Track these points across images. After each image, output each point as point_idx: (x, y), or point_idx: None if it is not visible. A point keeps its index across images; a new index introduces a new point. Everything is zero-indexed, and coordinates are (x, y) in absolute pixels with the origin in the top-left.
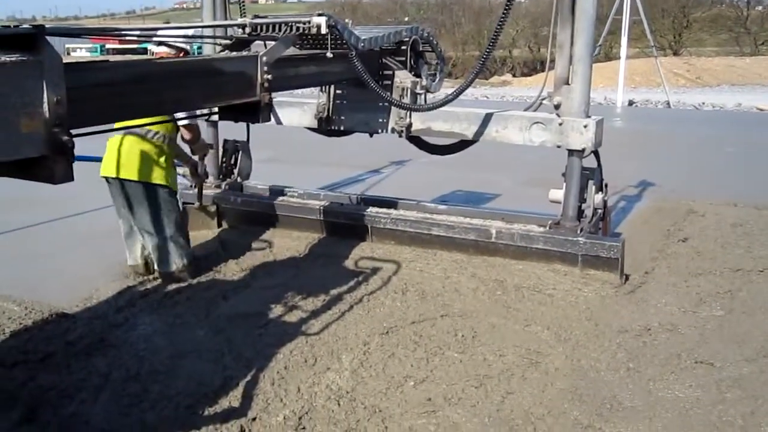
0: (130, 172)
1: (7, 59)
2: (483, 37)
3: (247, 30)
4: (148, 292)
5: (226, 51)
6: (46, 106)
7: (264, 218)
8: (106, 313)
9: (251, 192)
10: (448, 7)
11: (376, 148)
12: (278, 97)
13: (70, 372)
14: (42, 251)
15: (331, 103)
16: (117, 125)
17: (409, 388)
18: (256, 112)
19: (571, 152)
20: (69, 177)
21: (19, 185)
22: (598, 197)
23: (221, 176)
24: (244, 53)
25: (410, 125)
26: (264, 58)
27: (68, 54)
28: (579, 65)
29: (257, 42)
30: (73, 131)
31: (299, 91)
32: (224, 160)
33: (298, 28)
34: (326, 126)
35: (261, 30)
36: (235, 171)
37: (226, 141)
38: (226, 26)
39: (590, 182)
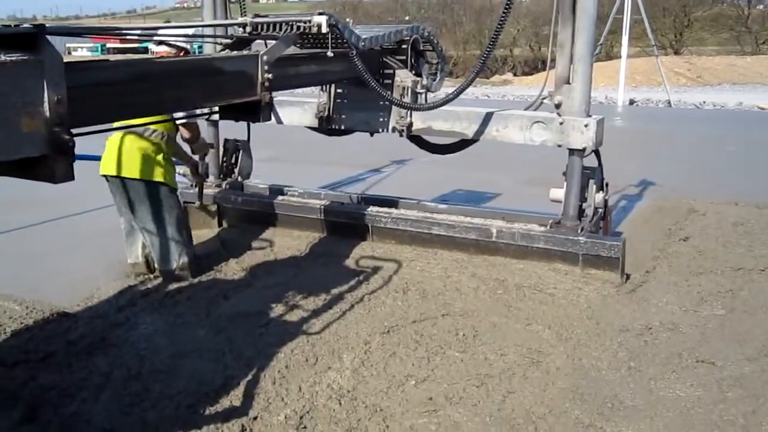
0: (132, 170)
1: (8, 59)
2: (484, 36)
3: (248, 29)
4: (149, 292)
5: (227, 50)
6: (46, 105)
7: (265, 217)
8: (107, 312)
9: (252, 191)
10: (449, 6)
11: (376, 147)
12: (279, 97)
13: (71, 371)
14: (43, 251)
15: (331, 102)
16: (115, 124)
17: (411, 387)
18: (257, 111)
19: (571, 151)
20: (69, 176)
21: (19, 185)
22: (599, 196)
23: (222, 175)
24: (245, 52)
25: (411, 124)
26: (264, 57)
27: (69, 53)
28: (580, 64)
29: (258, 41)
30: (74, 130)
31: (300, 90)
32: (225, 159)
33: (298, 27)
34: (327, 125)
35: (261, 29)
36: (236, 170)
37: (226, 140)
38: (226, 25)
39: (591, 181)
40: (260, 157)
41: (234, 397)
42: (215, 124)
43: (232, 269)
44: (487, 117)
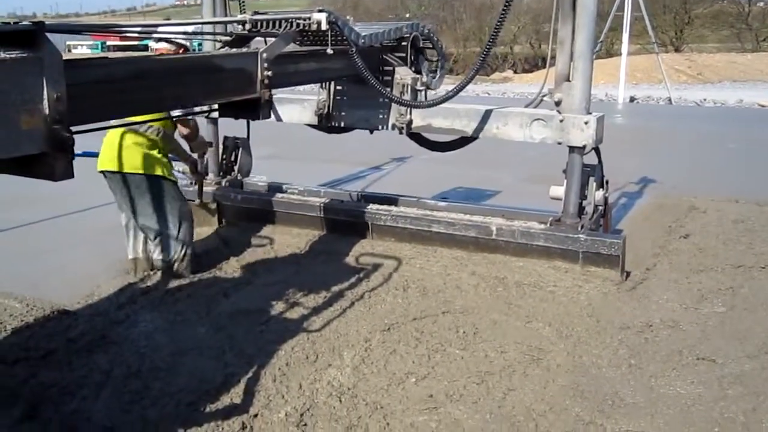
0: (132, 166)
1: (7, 56)
2: (484, 34)
3: (247, 26)
4: (150, 289)
5: (226, 47)
6: (46, 102)
7: (264, 215)
8: (107, 310)
9: (251, 189)
10: (449, 4)
11: (376, 144)
12: (278, 94)
13: (71, 369)
14: (43, 248)
15: (331, 99)
16: (111, 122)
17: (411, 384)
18: (256, 108)
19: (571, 149)
20: (69, 174)
21: (19, 182)
22: (599, 194)
23: (221, 173)
24: (244, 50)
25: (411, 122)
26: (264, 55)
27: (69, 51)
28: (580, 62)
29: (257, 38)
30: (73, 128)
31: (300, 87)
32: (224, 157)
33: (298, 25)
34: (326, 123)
35: (261, 26)
36: (236, 168)
37: (226, 138)
38: (226, 22)
39: (591, 179)
40: (260, 155)
41: (234, 395)
42: (215, 121)
43: (232, 267)
44: (487, 114)
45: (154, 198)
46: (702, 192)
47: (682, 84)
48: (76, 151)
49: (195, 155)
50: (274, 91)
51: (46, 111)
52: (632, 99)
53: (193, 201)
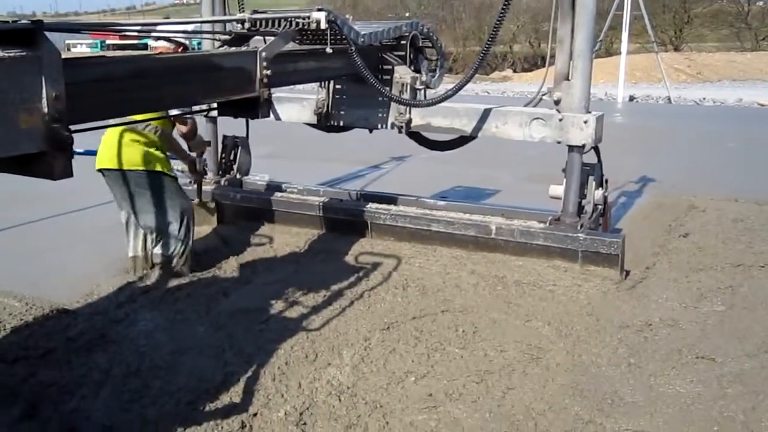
0: (132, 162)
1: (6, 55)
2: (484, 33)
3: (246, 25)
4: (149, 288)
5: (225, 46)
6: (44, 101)
7: (263, 214)
8: (106, 309)
9: (251, 188)
10: (448, 3)
11: (375, 143)
12: (277, 93)
13: (70, 368)
14: (42, 247)
15: (330, 98)
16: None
17: (410, 383)
18: (256, 107)
19: (571, 148)
20: (68, 173)
21: (19, 181)
22: (599, 193)
23: (220, 172)
24: (243, 49)
25: (410, 121)
26: (263, 54)
27: (68, 50)
28: (579, 61)
29: (256, 37)
30: (72, 127)
31: (299, 86)
32: (223, 156)
33: (297, 24)
34: (325, 122)
35: (260, 25)
36: (235, 167)
37: (225, 137)
38: (225, 21)
39: (590, 178)
40: (259, 154)
41: (234, 394)
42: (214, 120)
43: (232, 266)
44: (487, 113)
45: (154, 194)
46: (701, 191)
47: (682, 83)
48: (79, 149)
49: (194, 154)
50: (273, 90)
51: (45, 110)
52: (631, 98)
53: (193, 200)
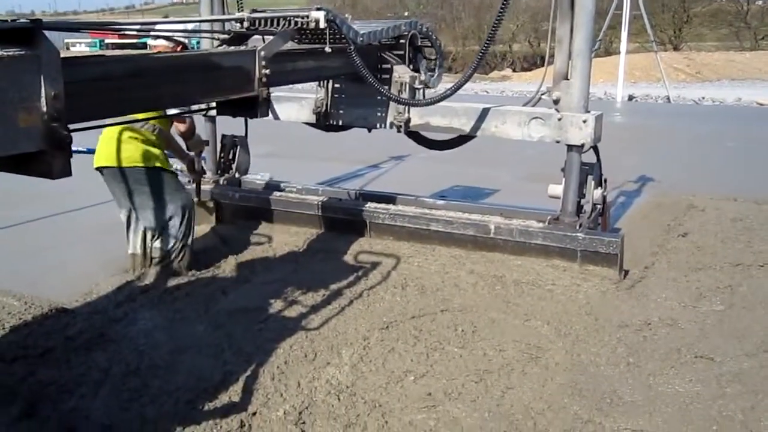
0: (131, 159)
1: (5, 54)
2: (483, 32)
3: (245, 24)
4: (148, 288)
5: (224, 45)
6: (43, 100)
7: (262, 213)
8: (105, 308)
9: (249, 187)
10: (448, 2)
11: (374, 143)
12: (276, 92)
13: (69, 367)
14: (41, 246)
15: (329, 98)
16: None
17: (409, 382)
18: (254, 107)
19: (570, 147)
20: (67, 172)
21: (18, 180)
22: (598, 192)
23: (219, 171)
24: (242, 48)
25: (409, 120)
26: (262, 53)
27: (67, 49)
28: (578, 60)
29: (255, 36)
30: (71, 126)
31: (298, 85)
32: (222, 155)
33: (296, 23)
34: (324, 121)
35: (259, 24)
36: (233, 166)
37: (224, 136)
38: (224, 20)
39: (589, 177)
40: (258, 153)
41: (233, 393)
42: (212, 119)
43: (231, 265)
44: (486, 113)
45: (154, 191)
46: (700, 190)
47: (681, 82)
48: (82, 147)
49: (192, 153)
50: (272, 89)
51: (44, 109)
52: (631, 97)
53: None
